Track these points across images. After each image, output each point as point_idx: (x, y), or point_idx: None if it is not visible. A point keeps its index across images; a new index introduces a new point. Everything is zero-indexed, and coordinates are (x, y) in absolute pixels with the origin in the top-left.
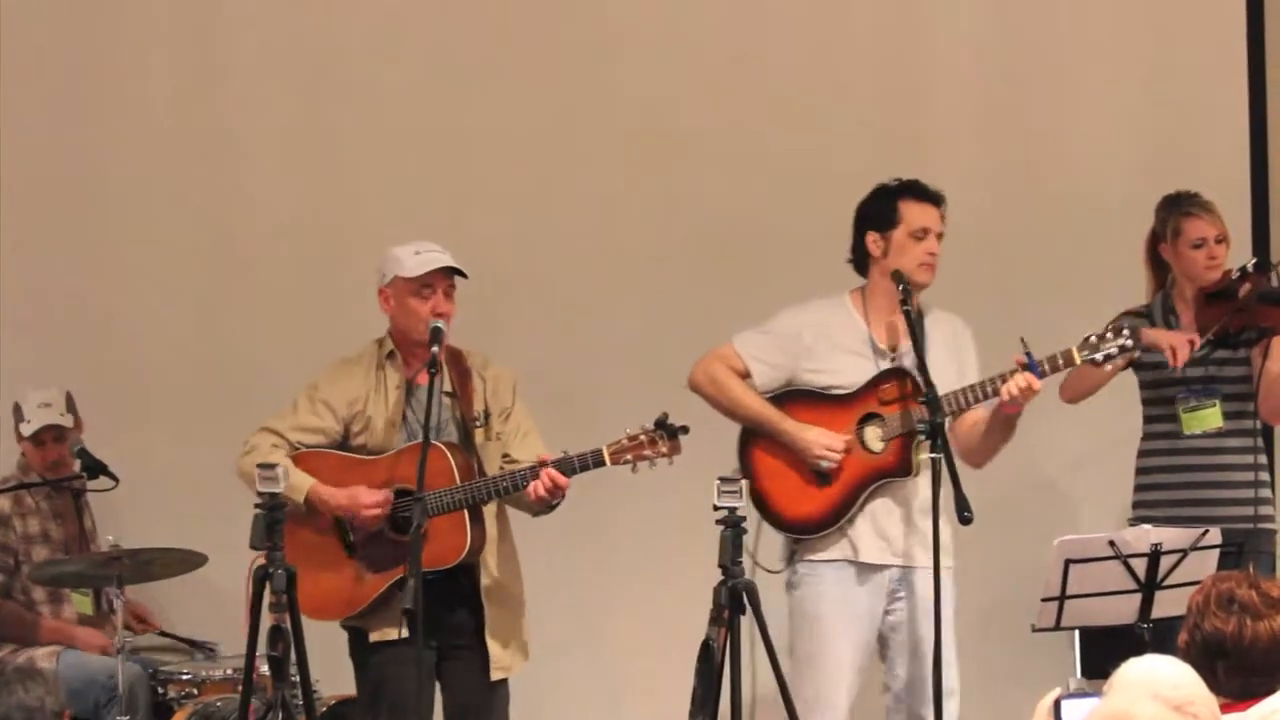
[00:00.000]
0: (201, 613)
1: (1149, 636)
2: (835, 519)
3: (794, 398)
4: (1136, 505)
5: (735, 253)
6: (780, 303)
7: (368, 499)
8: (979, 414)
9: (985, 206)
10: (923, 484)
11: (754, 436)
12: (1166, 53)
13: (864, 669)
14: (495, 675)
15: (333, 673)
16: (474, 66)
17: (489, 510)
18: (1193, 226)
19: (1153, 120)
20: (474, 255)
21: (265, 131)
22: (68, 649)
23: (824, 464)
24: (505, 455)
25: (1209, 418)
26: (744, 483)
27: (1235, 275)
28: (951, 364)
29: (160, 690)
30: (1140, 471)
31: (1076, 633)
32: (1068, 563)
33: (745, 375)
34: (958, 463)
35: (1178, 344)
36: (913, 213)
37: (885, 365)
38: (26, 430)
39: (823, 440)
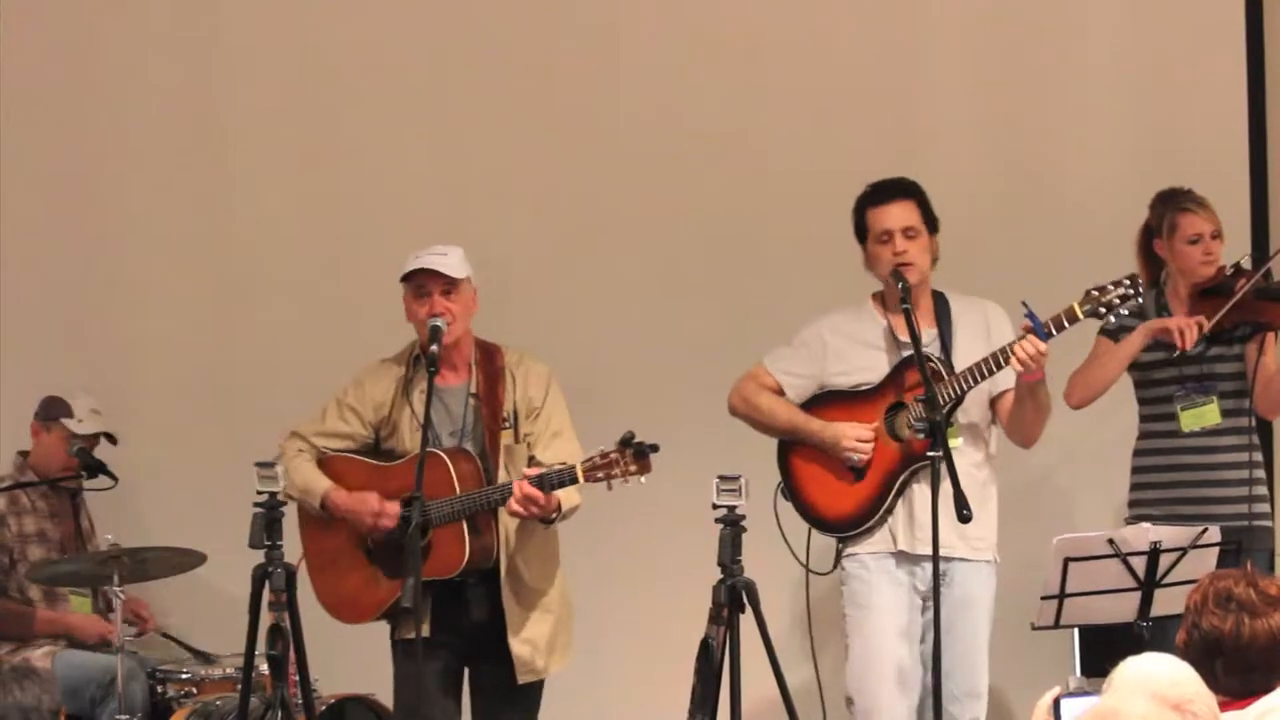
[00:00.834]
0: (200, 612)
1: (1148, 635)
2: (873, 511)
3: (825, 400)
4: (1133, 504)
5: (741, 251)
6: (785, 296)
7: (374, 507)
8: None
9: (985, 206)
10: (962, 465)
11: (791, 446)
12: (1166, 53)
13: (918, 659)
14: (523, 678)
15: (333, 672)
16: (477, 66)
17: None
18: (1189, 222)
19: (1152, 120)
20: (477, 255)
21: (265, 132)
22: (65, 650)
23: (855, 457)
24: (531, 458)
25: (1207, 414)
26: (743, 481)
27: (1230, 271)
28: (980, 348)
29: (160, 689)
30: (1136, 470)
31: (1076, 631)
32: (1067, 561)
33: (780, 392)
34: (958, 463)
35: (1185, 326)
36: (874, 218)
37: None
38: (79, 429)
39: (850, 432)
